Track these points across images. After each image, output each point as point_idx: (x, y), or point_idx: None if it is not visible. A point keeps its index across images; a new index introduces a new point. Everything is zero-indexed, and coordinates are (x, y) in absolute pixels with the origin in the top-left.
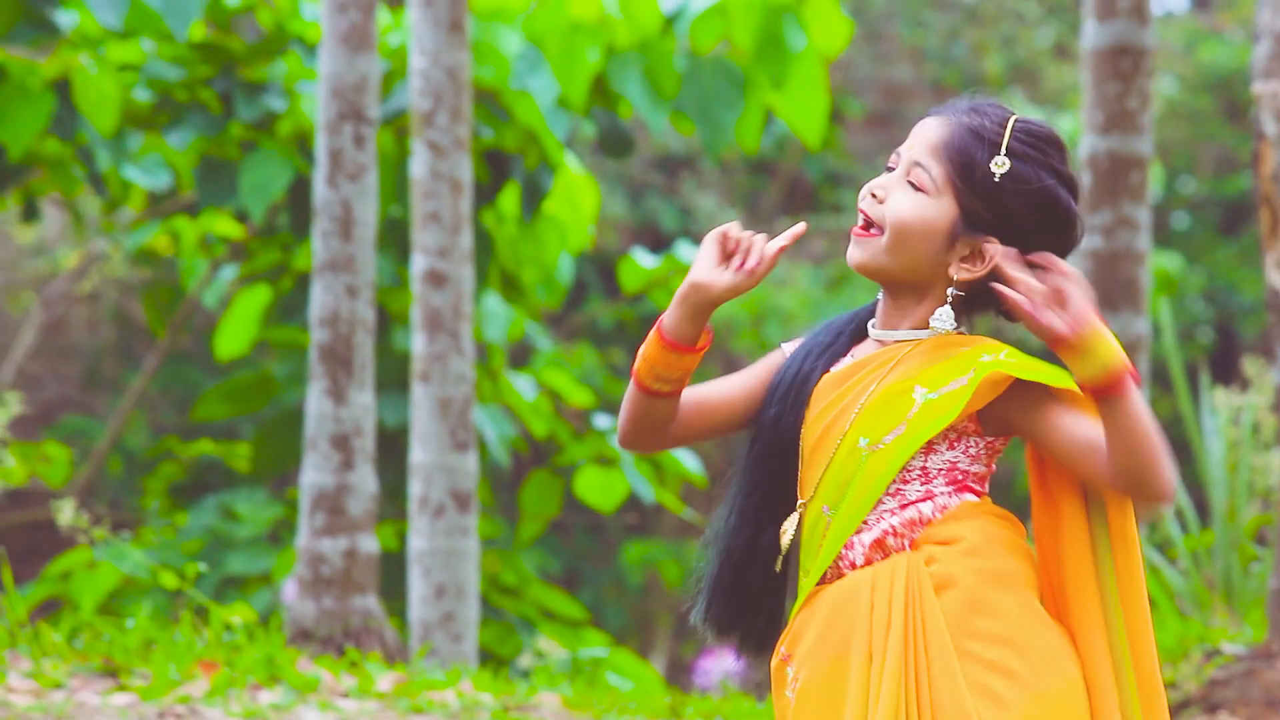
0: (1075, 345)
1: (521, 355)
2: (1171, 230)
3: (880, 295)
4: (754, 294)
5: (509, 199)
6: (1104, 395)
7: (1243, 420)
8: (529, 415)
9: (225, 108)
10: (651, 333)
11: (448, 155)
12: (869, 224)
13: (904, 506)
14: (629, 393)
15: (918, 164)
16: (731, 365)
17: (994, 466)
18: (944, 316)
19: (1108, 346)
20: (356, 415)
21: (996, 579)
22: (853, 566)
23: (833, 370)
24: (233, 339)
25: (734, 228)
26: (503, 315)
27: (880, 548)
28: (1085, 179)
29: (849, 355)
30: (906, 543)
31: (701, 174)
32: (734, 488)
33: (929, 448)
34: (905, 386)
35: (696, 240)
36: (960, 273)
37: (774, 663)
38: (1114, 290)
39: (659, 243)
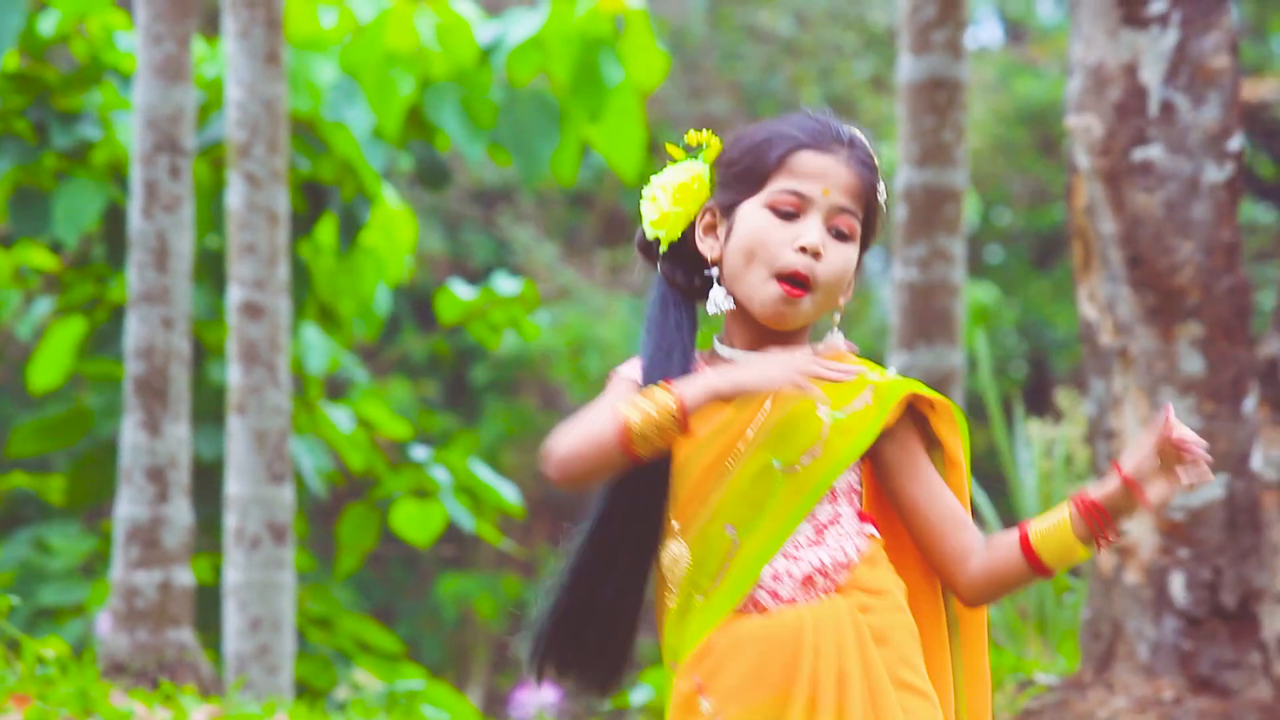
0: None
1: (338, 387)
2: (986, 262)
3: (725, 315)
4: (573, 324)
5: (326, 230)
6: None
7: (1056, 452)
8: (345, 447)
9: (39, 137)
10: (657, 408)
11: (264, 187)
12: (807, 285)
13: (819, 531)
14: (603, 447)
15: (844, 210)
16: (549, 396)
17: None
18: (837, 340)
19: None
20: (171, 447)
21: (913, 635)
22: (775, 597)
23: None
24: (47, 371)
25: None
26: (320, 347)
27: (810, 585)
28: (901, 211)
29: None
30: (832, 584)
31: (519, 206)
32: (589, 515)
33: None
34: (808, 406)
35: (512, 271)
36: (845, 296)
37: (681, 686)
38: (929, 322)
39: (474, 276)
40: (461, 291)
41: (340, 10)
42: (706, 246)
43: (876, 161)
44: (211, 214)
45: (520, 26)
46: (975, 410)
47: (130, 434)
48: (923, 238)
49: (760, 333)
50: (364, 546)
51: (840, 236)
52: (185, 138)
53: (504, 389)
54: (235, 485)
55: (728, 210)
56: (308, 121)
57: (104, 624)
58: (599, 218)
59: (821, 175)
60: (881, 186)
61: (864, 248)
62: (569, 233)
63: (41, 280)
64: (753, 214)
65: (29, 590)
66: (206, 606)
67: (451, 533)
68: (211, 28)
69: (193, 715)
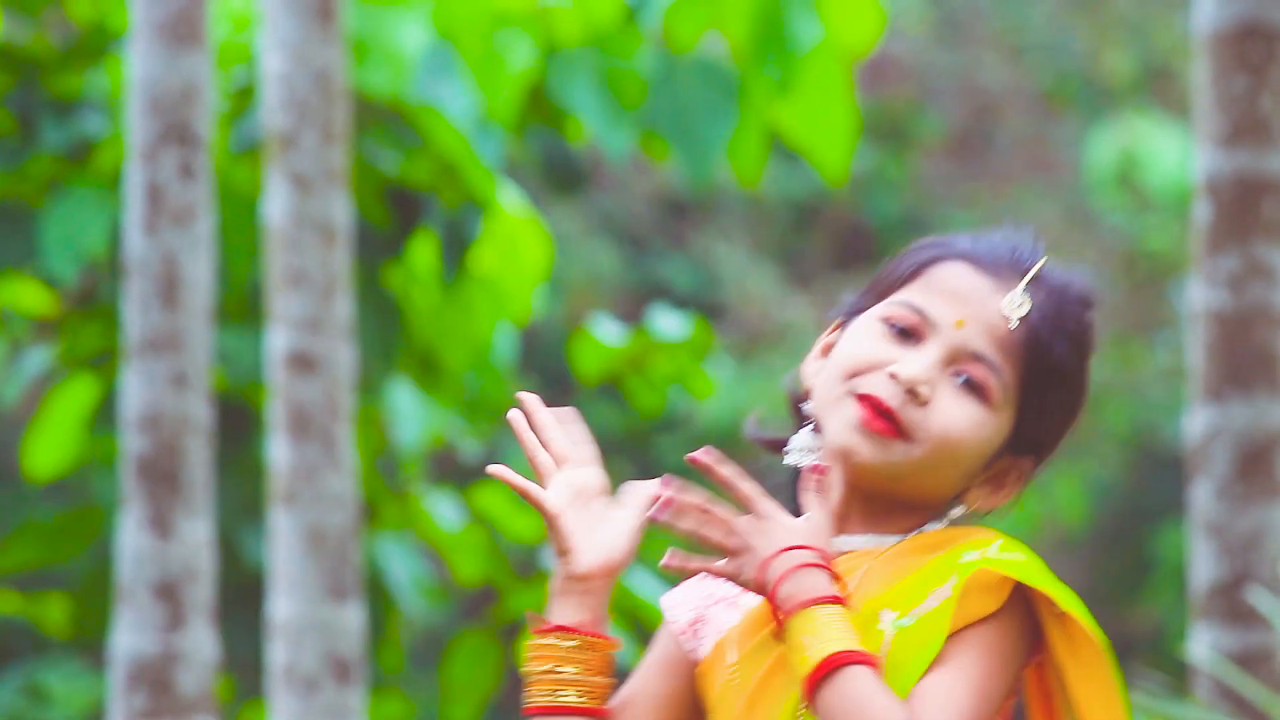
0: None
1: (450, 464)
2: None
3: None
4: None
5: (423, 253)
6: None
7: None
8: (454, 551)
9: (25, 133)
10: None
11: (316, 191)
12: (895, 425)
13: None
14: None
15: (981, 360)
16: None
17: None
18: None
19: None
20: (187, 553)
21: None
22: None
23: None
24: (49, 452)
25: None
26: (415, 413)
27: None
28: (1203, 211)
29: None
30: None
31: (721, 218)
32: None
33: None
34: (869, 611)
35: (710, 308)
36: (980, 500)
37: None
38: (1244, 363)
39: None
40: (607, 334)
41: None
42: (811, 371)
43: (1080, 318)
44: (254, 231)
45: None
46: None
47: (131, 536)
48: (1234, 246)
49: (850, 496)
50: (482, 688)
51: (970, 388)
52: (199, 121)
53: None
54: (283, 605)
55: (847, 324)
56: (390, 105)
57: None
58: (830, 232)
59: (963, 299)
60: (1069, 354)
61: (1022, 435)
62: (789, 253)
63: (33, 328)
64: (861, 325)
65: None
66: None
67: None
68: None
69: None
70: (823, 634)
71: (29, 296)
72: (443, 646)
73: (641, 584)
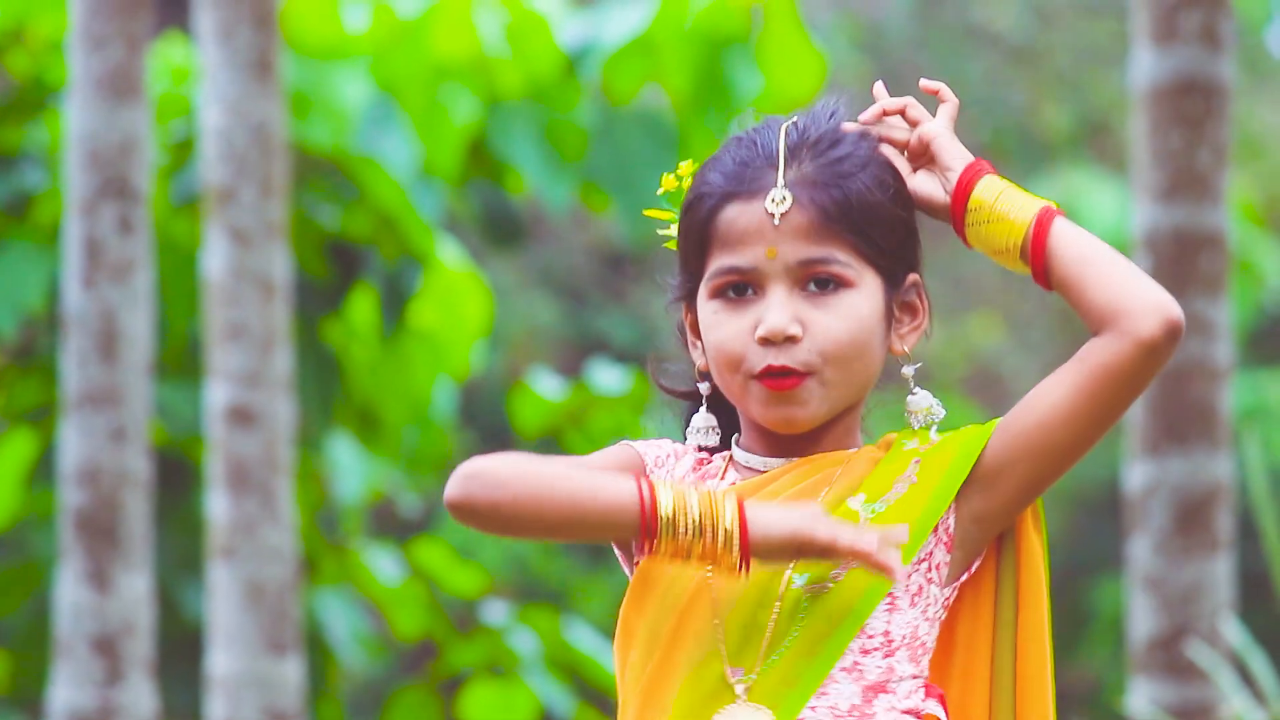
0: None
1: (388, 519)
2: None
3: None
4: None
5: (362, 307)
6: (1038, 244)
7: None
8: (393, 606)
9: None
10: (712, 516)
11: (255, 244)
12: (797, 373)
13: (868, 698)
14: (588, 513)
15: (812, 263)
16: None
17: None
18: (925, 400)
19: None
20: (126, 607)
21: None
22: None
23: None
24: None
25: None
26: (355, 467)
27: None
28: (1142, 264)
29: (726, 481)
30: None
31: (660, 270)
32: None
33: (892, 603)
34: (837, 499)
35: (646, 363)
36: (907, 341)
37: None
38: (1182, 417)
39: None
40: (545, 388)
41: (373, 5)
42: (697, 354)
43: (837, 143)
44: (193, 284)
45: (619, 23)
46: (1248, 531)
47: (69, 590)
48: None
49: (782, 439)
50: None
51: (825, 287)
52: (138, 176)
53: None
54: (222, 659)
55: (691, 304)
56: (330, 158)
57: None
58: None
59: (758, 233)
60: (857, 179)
61: (891, 267)
62: None
63: None
64: (705, 311)
65: None
66: None
67: None
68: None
69: None
70: (1016, 199)
71: None
72: (382, 700)
73: (582, 638)
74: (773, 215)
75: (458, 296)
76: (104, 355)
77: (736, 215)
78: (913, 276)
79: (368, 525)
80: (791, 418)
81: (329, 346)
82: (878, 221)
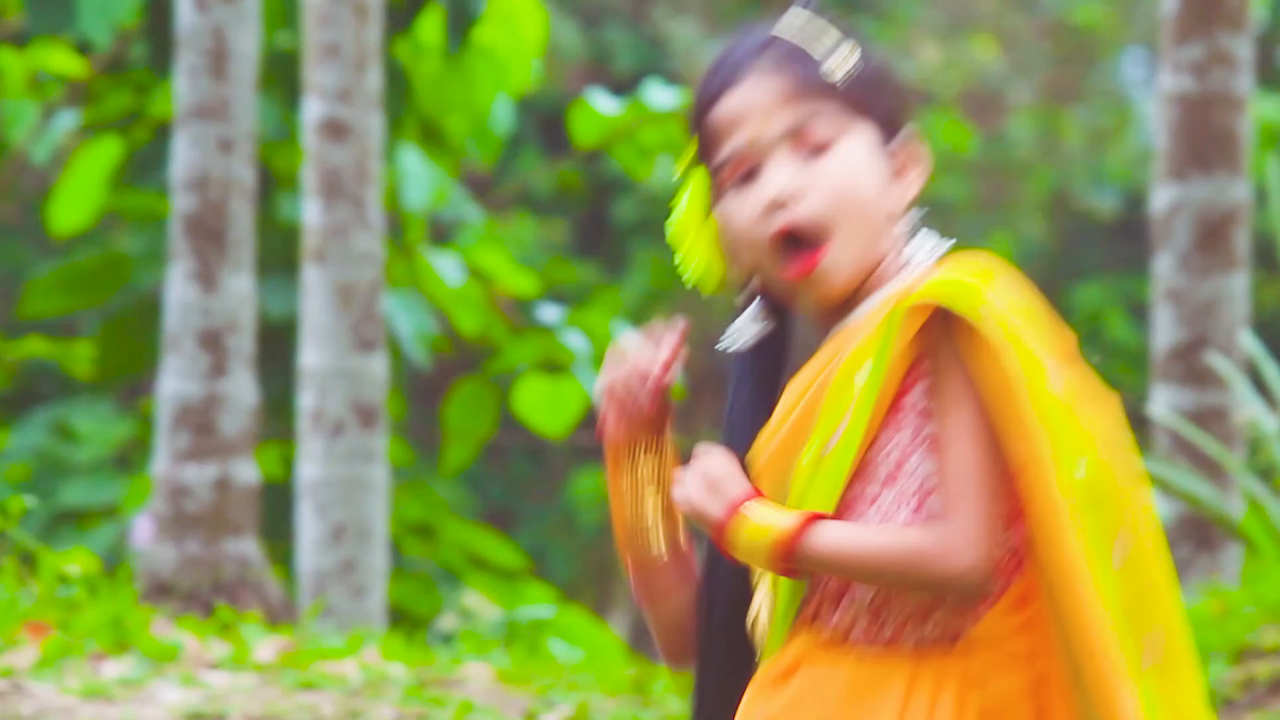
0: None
1: (444, 229)
2: (1278, 69)
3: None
4: None
5: (430, 26)
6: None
7: None
8: (454, 306)
9: None
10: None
11: None
12: (805, 229)
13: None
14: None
15: (800, 128)
16: None
17: None
18: (926, 238)
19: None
20: (231, 306)
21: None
22: (842, 634)
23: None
24: (73, 208)
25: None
26: (422, 176)
27: (878, 619)
28: (1169, 1)
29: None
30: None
31: None
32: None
33: (899, 446)
34: (848, 371)
35: (669, 79)
36: (913, 184)
37: None
38: (1205, 144)
39: (620, 85)
40: (603, 105)
41: None
42: (728, 240)
43: (829, 33)
44: (285, 5)
45: None
46: (1264, 257)
47: (178, 288)
48: (1198, 36)
49: (821, 316)
50: (479, 434)
51: (818, 148)
52: None
53: (654, 231)
54: (312, 354)
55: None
56: None
57: (143, 532)
58: (779, 8)
59: (741, 118)
60: (841, 49)
61: (883, 117)
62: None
63: (65, 90)
64: (723, 208)
65: (48, 488)
66: (275, 510)
67: (590, 417)
68: None
69: (257, 649)
70: (770, 517)
71: (62, 61)
72: (442, 395)
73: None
74: (751, 87)
75: (517, 16)
76: (214, 71)
77: (723, 110)
78: (905, 124)
79: (432, 231)
80: (827, 289)
81: (398, 62)
82: (859, 79)
